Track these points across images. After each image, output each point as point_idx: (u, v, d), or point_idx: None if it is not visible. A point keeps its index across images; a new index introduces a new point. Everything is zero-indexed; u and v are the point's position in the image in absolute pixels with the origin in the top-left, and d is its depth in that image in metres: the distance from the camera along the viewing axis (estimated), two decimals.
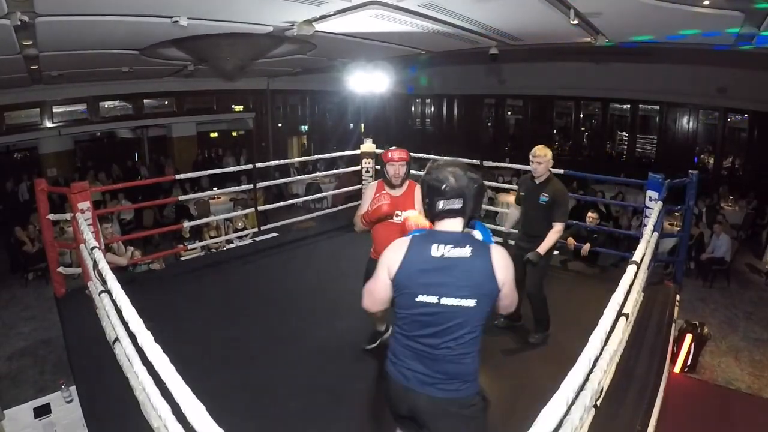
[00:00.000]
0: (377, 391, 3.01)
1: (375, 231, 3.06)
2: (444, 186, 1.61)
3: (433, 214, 1.66)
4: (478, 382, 1.72)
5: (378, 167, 2.80)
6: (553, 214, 3.33)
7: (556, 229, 3.32)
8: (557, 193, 3.36)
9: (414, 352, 1.66)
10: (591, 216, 5.17)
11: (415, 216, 2.04)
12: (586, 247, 4.87)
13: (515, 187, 8.87)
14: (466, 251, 1.58)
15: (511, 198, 9.56)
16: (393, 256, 1.64)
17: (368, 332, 3.64)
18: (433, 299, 1.57)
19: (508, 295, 1.66)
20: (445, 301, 1.56)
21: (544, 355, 3.32)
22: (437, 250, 1.58)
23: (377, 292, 1.69)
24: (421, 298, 1.58)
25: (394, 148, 3.01)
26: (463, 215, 1.63)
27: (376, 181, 3.13)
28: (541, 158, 3.37)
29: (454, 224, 1.64)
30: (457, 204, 1.61)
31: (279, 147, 13.87)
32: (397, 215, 2.85)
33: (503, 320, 3.66)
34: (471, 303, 1.56)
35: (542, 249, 3.31)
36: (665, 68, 10.48)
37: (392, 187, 3.00)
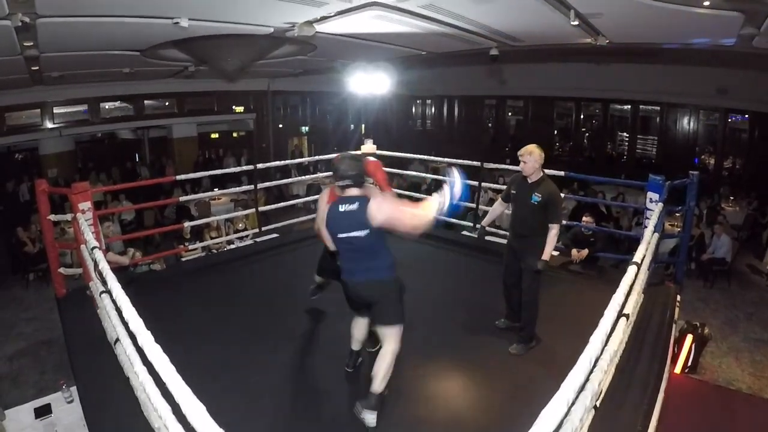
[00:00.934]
0: None
1: None
2: (339, 171, 2.63)
3: (340, 187, 2.69)
4: (393, 270, 2.78)
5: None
6: (548, 215, 3.31)
7: (554, 232, 3.31)
8: (551, 195, 3.32)
9: (350, 263, 2.73)
10: (586, 219, 5.14)
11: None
12: (584, 252, 4.85)
13: None
14: (354, 206, 2.58)
15: None
16: (322, 215, 2.83)
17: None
18: (344, 234, 2.62)
19: (397, 225, 2.57)
20: (350, 234, 2.59)
21: (544, 356, 3.32)
22: (341, 208, 2.61)
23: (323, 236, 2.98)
24: (340, 235, 2.63)
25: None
26: (355, 185, 2.64)
27: (328, 189, 3.36)
28: (527, 156, 3.34)
29: (351, 191, 2.65)
30: (348, 181, 2.63)
31: (280, 148, 13.89)
32: None
33: (504, 321, 3.69)
34: (363, 233, 2.58)
35: (546, 255, 3.29)
36: (666, 69, 10.47)
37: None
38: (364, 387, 3.05)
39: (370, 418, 2.60)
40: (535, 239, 3.33)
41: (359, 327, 3.05)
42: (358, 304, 2.86)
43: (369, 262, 2.68)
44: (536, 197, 3.33)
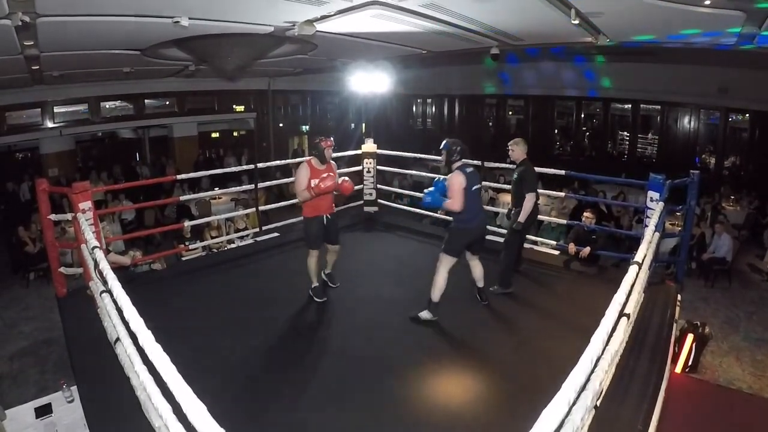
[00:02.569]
0: (377, 390, 3.01)
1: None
2: (458, 148, 3.77)
3: (457, 160, 3.75)
4: None
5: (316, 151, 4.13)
6: (523, 187, 4.22)
7: (527, 199, 4.18)
8: (524, 171, 4.29)
9: (478, 210, 3.79)
10: (587, 216, 5.15)
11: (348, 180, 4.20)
12: (586, 250, 4.87)
13: None
14: (472, 169, 3.73)
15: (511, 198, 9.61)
16: (461, 180, 3.59)
17: (367, 332, 3.65)
18: (476, 187, 3.69)
19: None
20: (478, 186, 3.72)
21: (544, 356, 3.32)
22: (469, 170, 3.69)
23: (460, 197, 3.60)
24: (474, 187, 3.65)
25: (323, 137, 4.09)
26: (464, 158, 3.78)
27: (305, 161, 4.11)
28: (513, 146, 4.43)
29: (465, 161, 3.74)
30: (462, 155, 3.77)
31: (280, 147, 13.89)
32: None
33: (496, 287, 4.28)
34: (480, 186, 3.79)
35: (521, 218, 4.23)
36: (666, 68, 10.46)
37: (323, 163, 4.09)
38: (366, 385, 3.05)
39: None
40: (519, 209, 4.25)
41: (476, 267, 4.01)
42: (473, 243, 3.84)
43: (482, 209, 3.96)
44: (515, 175, 4.39)
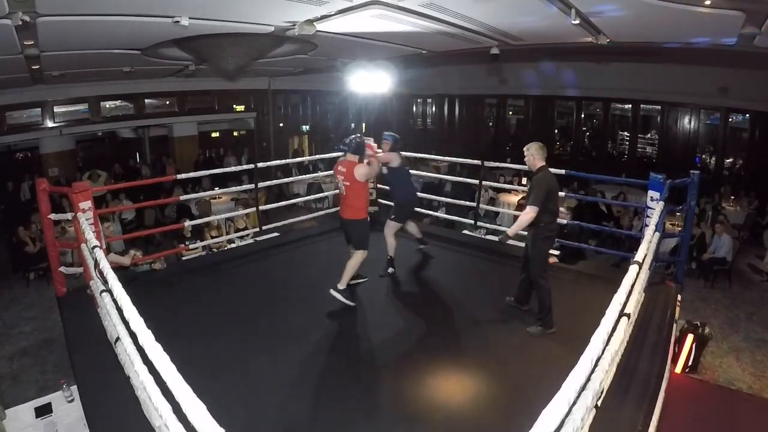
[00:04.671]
0: (377, 389, 3.01)
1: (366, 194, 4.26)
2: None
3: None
4: None
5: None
6: (528, 198, 3.68)
7: (525, 211, 3.61)
8: (536, 180, 3.67)
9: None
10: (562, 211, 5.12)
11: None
12: (553, 259, 4.82)
13: (516, 187, 8.90)
14: None
15: (512, 198, 9.61)
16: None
17: (367, 332, 3.65)
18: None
19: None
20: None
21: (546, 355, 3.32)
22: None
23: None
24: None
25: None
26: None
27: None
28: (525, 152, 3.77)
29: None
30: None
31: (280, 147, 13.88)
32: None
33: (511, 299, 4.03)
34: None
35: (510, 231, 3.70)
36: (667, 68, 10.47)
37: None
38: (366, 385, 3.05)
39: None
40: (534, 227, 3.65)
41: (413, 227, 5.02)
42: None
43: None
44: (529, 185, 3.82)
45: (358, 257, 4.09)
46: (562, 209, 5.14)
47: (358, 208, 4.11)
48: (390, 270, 4.69)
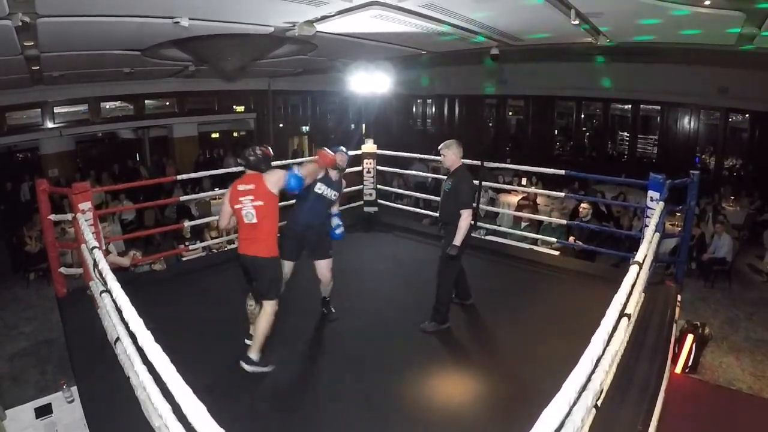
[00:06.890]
0: (377, 390, 3.01)
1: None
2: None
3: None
4: None
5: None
6: (458, 202, 3.50)
7: (463, 217, 3.46)
8: (458, 181, 3.56)
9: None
10: (584, 207, 5.15)
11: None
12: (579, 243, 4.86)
13: (516, 187, 8.90)
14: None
15: (511, 198, 9.61)
16: None
17: (367, 332, 3.65)
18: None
19: None
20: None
21: (545, 356, 3.32)
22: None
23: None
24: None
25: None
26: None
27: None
28: (444, 150, 3.69)
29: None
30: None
31: (280, 147, 13.88)
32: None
33: (429, 324, 3.67)
34: None
35: (457, 241, 3.47)
36: (666, 68, 10.46)
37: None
38: (366, 385, 3.05)
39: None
40: (452, 227, 3.51)
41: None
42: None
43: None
44: (447, 184, 3.65)
45: (268, 312, 3.06)
46: (584, 205, 5.15)
47: (270, 239, 3.07)
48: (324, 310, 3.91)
